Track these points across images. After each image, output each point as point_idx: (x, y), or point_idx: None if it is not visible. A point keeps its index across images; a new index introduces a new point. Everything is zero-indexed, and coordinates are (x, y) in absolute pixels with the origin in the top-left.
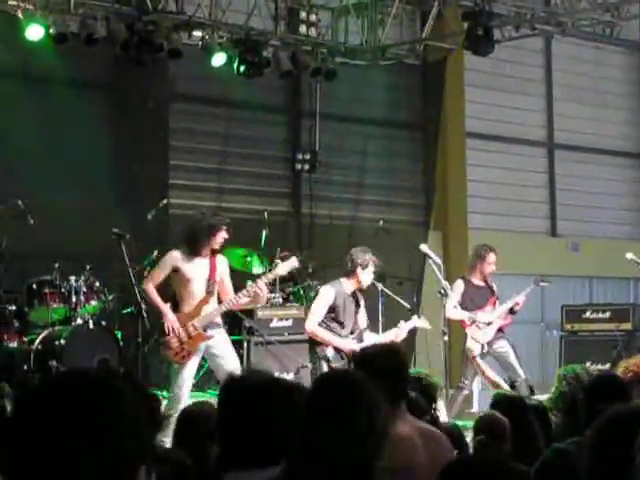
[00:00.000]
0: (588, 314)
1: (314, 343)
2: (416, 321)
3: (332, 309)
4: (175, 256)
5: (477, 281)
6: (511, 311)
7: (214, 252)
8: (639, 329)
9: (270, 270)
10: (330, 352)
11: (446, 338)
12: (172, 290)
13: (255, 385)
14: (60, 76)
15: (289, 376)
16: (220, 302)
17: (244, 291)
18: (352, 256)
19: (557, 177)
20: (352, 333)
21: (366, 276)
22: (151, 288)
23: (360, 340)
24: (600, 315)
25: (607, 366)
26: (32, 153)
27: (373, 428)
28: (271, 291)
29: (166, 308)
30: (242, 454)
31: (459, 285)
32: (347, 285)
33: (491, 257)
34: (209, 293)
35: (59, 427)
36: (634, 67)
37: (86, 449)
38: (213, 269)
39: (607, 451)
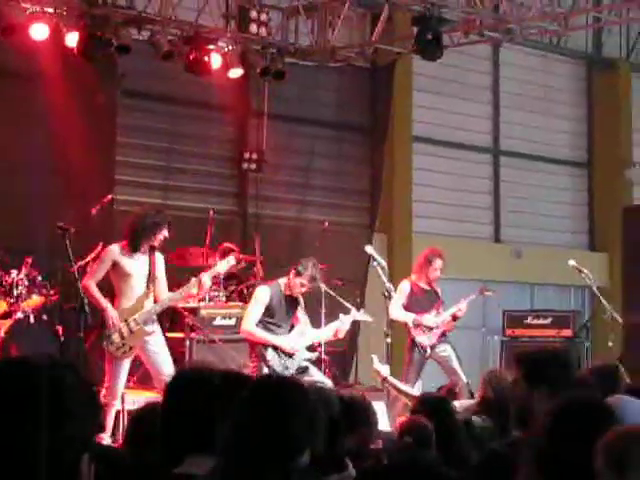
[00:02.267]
0: (529, 320)
1: (253, 343)
2: (356, 314)
3: (267, 309)
4: (114, 250)
5: (423, 284)
6: (453, 318)
7: (152, 249)
8: (579, 336)
9: (210, 267)
10: (270, 353)
11: (389, 340)
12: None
13: (196, 378)
14: (5, 69)
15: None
16: (155, 300)
17: (186, 286)
18: (299, 261)
19: (502, 184)
20: (291, 329)
21: (295, 284)
22: (91, 283)
23: (301, 334)
24: (541, 321)
25: None
26: None
27: (314, 432)
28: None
29: (106, 303)
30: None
31: (405, 286)
32: (284, 286)
33: (437, 262)
34: (149, 289)
35: (8, 409)
36: (580, 77)
37: (26, 435)
38: (153, 265)
39: (565, 435)
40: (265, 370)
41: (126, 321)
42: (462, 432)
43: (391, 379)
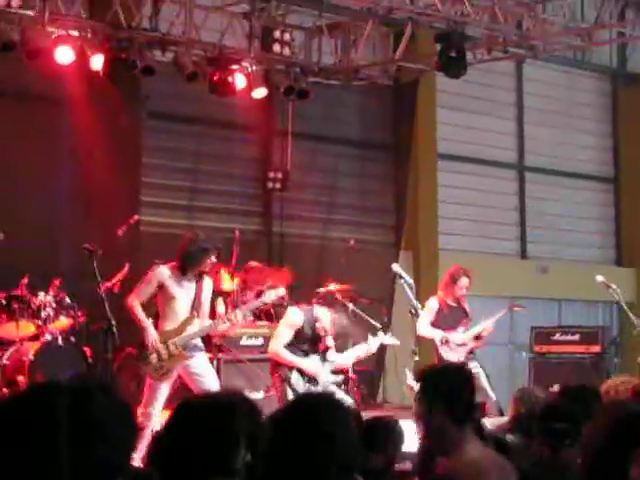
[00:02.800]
0: (557, 336)
1: (277, 365)
2: (383, 338)
3: (297, 333)
4: (162, 272)
5: (450, 301)
6: (478, 337)
7: (201, 274)
8: (608, 352)
9: (257, 297)
10: (294, 375)
11: (417, 358)
12: (155, 307)
13: (195, 408)
14: (33, 92)
15: (259, 395)
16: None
17: (223, 319)
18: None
19: (527, 199)
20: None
21: (324, 322)
22: (135, 303)
23: (324, 360)
24: (569, 337)
25: None
26: (2, 168)
27: (333, 459)
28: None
29: (148, 323)
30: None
31: (433, 304)
32: (318, 312)
33: (463, 281)
34: (192, 313)
35: (30, 434)
36: (604, 91)
37: (57, 457)
38: (199, 290)
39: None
40: (289, 393)
41: (166, 343)
42: None
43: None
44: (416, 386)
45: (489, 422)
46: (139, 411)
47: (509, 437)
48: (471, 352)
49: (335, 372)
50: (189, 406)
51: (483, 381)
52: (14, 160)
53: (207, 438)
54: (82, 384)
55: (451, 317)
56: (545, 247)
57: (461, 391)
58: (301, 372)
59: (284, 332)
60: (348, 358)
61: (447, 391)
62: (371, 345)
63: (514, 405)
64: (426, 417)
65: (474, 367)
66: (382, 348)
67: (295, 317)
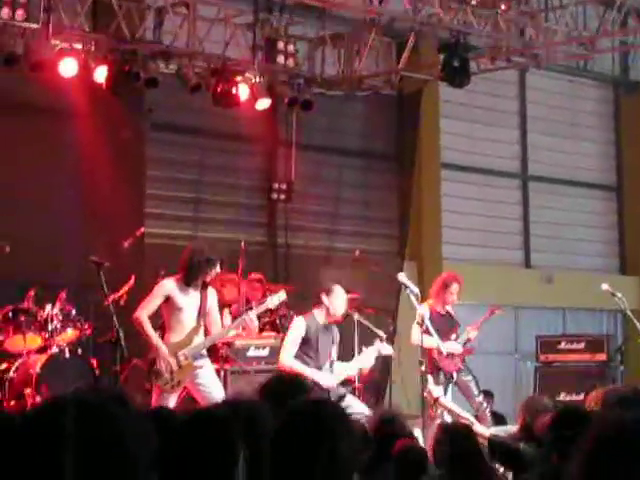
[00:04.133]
0: (563, 345)
1: None
2: (380, 346)
3: (304, 341)
4: (167, 285)
5: (440, 309)
6: (465, 343)
7: (205, 284)
8: (614, 360)
9: (260, 303)
10: None
11: (423, 368)
12: (161, 319)
13: (185, 423)
14: (37, 104)
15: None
16: (206, 334)
17: (234, 323)
18: (323, 287)
19: (531, 209)
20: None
21: (335, 302)
22: (143, 318)
23: (331, 372)
24: (575, 346)
25: (581, 397)
26: (6, 182)
27: (335, 460)
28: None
29: (159, 341)
30: None
31: (424, 312)
32: (320, 316)
33: (454, 287)
34: (199, 324)
35: (35, 455)
36: (607, 100)
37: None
38: (204, 300)
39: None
40: None
41: (175, 355)
42: (484, 459)
43: (443, 400)
44: (435, 391)
45: (504, 430)
46: None
47: (522, 446)
48: (463, 360)
49: (342, 383)
50: (185, 420)
51: (473, 387)
52: (18, 173)
53: (203, 452)
54: (91, 398)
55: (442, 324)
56: (549, 256)
57: None
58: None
59: (291, 343)
60: (349, 368)
61: None
62: (367, 355)
63: (522, 414)
64: None
65: (467, 374)
66: (388, 358)
67: (297, 325)
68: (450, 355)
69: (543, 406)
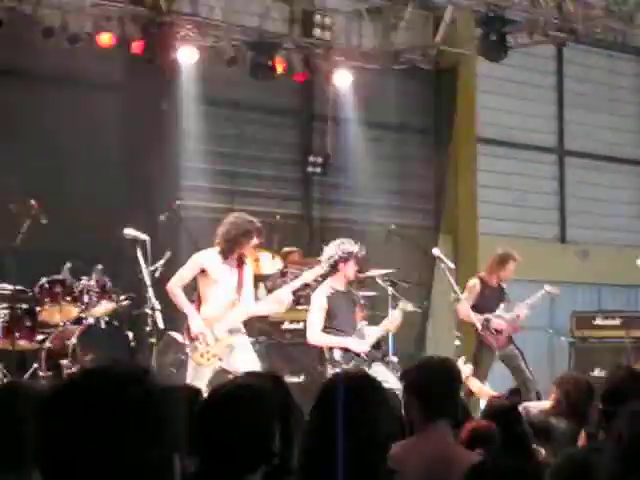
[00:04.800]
0: (598, 321)
1: (322, 349)
2: (404, 305)
3: (328, 313)
4: (204, 256)
5: (492, 284)
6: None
7: (241, 257)
8: None
9: (296, 276)
10: (337, 354)
11: (457, 342)
12: (196, 291)
13: (225, 395)
14: (73, 77)
15: (300, 379)
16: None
17: (269, 297)
18: (329, 254)
19: (567, 184)
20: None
21: (351, 268)
22: (177, 289)
23: (362, 337)
24: (610, 322)
25: None
26: (45, 153)
27: (375, 435)
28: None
29: (192, 310)
30: (219, 463)
31: (475, 285)
32: (335, 284)
33: (512, 265)
34: (236, 298)
35: (79, 426)
36: None
37: (100, 456)
38: (241, 274)
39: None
40: (329, 372)
41: (211, 328)
42: (530, 439)
43: (472, 380)
44: (465, 370)
45: (534, 406)
46: None
47: (553, 421)
48: (510, 336)
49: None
50: (220, 394)
51: (522, 364)
52: (56, 146)
53: (238, 426)
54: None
55: (492, 299)
56: (585, 231)
57: None
58: (347, 351)
59: (314, 318)
60: (379, 331)
61: None
62: (394, 317)
63: (556, 390)
64: None
65: (512, 350)
66: (423, 332)
67: (317, 299)
68: (495, 331)
69: (578, 382)
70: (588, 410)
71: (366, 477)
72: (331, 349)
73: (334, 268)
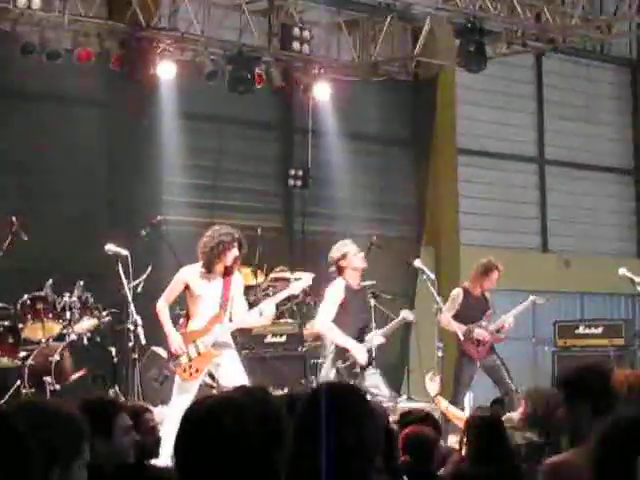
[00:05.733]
0: (581, 330)
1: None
2: (405, 314)
3: (341, 305)
4: (186, 273)
5: (476, 293)
6: (498, 330)
7: (227, 269)
8: (632, 344)
9: (282, 289)
10: (333, 349)
11: (440, 353)
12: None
13: (211, 410)
14: (53, 93)
15: (284, 392)
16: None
17: (254, 310)
18: (331, 259)
19: (548, 193)
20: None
21: (353, 260)
22: (162, 308)
23: (361, 341)
24: (593, 331)
25: None
26: (26, 170)
27: (361, 441)
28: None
29: (172, 331)
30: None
31: (458, 295)
32: (349, 280)
33: (495, 275)
34: (221, 311)
35: None
36: (624, 83)
37: None
38: (227, 287)
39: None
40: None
41: (195, 343)
42: (512, 453)
43: (440, 400)
44: (431, 390)
45: (515, 416)
46: (163, 409)
47: (527, 435)
48: (492, 347)
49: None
50: (196, 412)
51: (503, 374)
52: (35, 162)
53: (213, 444)
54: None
55: (476, 309)
56: (567, 240)
57: None
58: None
59: (330, 307)
60: (379, 339)
61: None
62: (394, 325)
63: (524, 403)
64: None
65: (494, 360)
66: (405, 342)
67: (338, 289)
68: (477, 341)
69: (546, 396)
70: (554, 423)
71: None
72: (332, 342)
73: (338, 268)
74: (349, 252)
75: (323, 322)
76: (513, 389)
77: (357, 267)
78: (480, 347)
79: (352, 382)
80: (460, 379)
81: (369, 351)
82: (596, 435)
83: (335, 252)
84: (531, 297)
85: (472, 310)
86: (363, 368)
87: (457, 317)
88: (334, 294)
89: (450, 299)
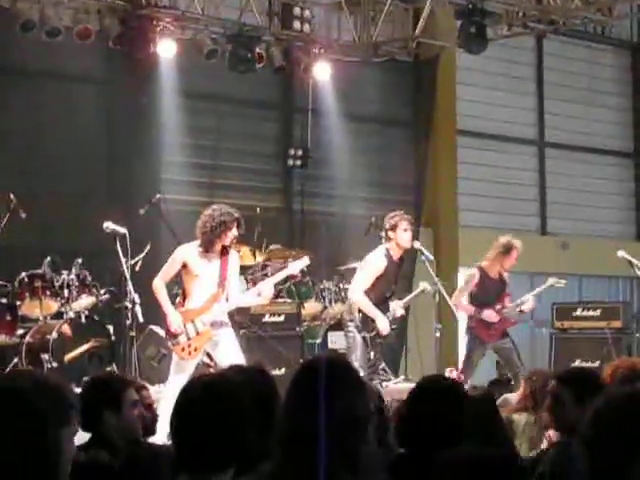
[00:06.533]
0: (579, 312)
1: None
2: (423, 286)
3: (380, 275)
4: (184, 251)
5: (493, 274)
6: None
7: (225, 249)
8: (629, 327)
9: (281, 269)
10: (359, 319)
11: (438, 334)
12: (181, 286)
13: (207, 388)
14: (53, 70)
15: (281, 371)
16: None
17: (253, 290)
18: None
19: (547, 175)
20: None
21: (401, 235)
22: (159, 286)
23: (386, 309)
24: (591, 313)
25: (597, 364)
26: (24, 147)
27: (352, 414)
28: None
29: (171, 310)
30: (194, 457)
31: (474, 275)
32: (392, 251)
33: (515, 253)
34: (219, 290)
35: None
36: (625, 66)
37: None
38: (224, 266)
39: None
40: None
41: (193, 322)
42: (505, 433)
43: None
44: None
45: (512, 397)
46: (160, 387)
47: (515, 416)
48: (504, 330)
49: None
50: (191, 390)
51: (514, 356)
52: (34, 139)
53: (207, 423)
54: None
55: (491, 291)
56: (565, 223)
57: None
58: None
59: (364, 278)
60: (401, 307)
61: None
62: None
63: (525, 384)
64: None
65: (505, 342)
66: (403, 323)
67: (379, 260)
68: (487, 324)
69: (545, 378)
70: None
71: (345, 458)
72: (360, 311)
73: (387, 236)
74: (400, 227)
75: (354, 291)
76: (521, 372)
77: (401, 244)
78: (492, 330)
79: (374, 352)
80: (468, 359)
81: (391, 321)
82: (590, 412)
83: (389, 220)
84: (550, 279)
85: (487, 292)
86: (384, 337)
87: (473, 298)
88: (373, 266)
89: (465, 280)
